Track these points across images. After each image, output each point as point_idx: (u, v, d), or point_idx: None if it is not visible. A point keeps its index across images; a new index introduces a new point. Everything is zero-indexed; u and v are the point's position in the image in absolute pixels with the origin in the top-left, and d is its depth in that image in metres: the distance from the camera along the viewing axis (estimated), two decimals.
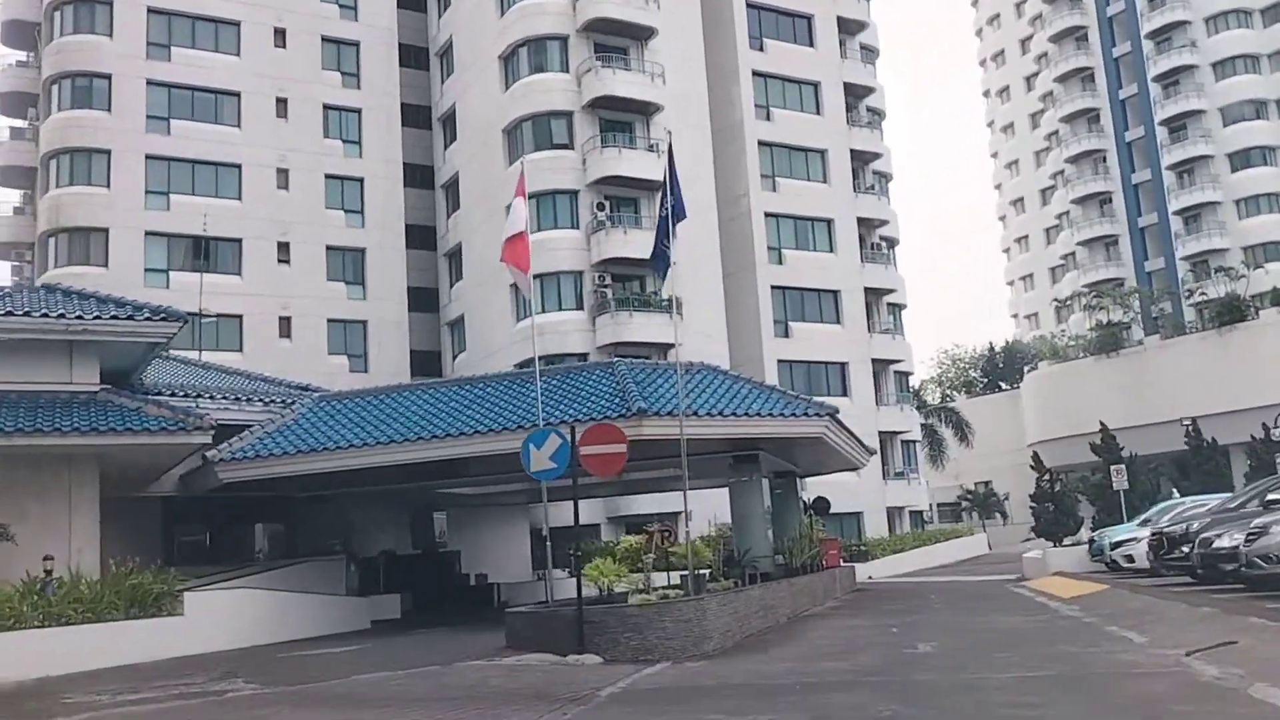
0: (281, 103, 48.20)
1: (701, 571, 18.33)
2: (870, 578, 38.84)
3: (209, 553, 28.46)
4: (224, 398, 25.45)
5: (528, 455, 16.09)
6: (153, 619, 18.83)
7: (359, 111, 50.18)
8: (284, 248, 47.32)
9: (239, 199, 46.97)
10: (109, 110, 45.04)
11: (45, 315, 19.67)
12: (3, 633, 16.13)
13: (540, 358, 44.51)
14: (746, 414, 21.68)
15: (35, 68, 48.13)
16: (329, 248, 48.46)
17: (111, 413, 20.01)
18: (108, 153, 45.02)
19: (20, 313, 19.46)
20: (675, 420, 20.83)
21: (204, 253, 45.67)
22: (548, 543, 18.47)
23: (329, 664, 16.37)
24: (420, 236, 52.18)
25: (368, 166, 49.97)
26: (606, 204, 44.69)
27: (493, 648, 16.53)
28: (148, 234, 45.13)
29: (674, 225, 16.98)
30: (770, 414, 21.89)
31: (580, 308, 44.11)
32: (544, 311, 42.59)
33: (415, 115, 52.93)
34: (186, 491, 25.67)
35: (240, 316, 45.94)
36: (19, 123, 49.25)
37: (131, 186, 45.13)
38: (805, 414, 22.34)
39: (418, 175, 53.03)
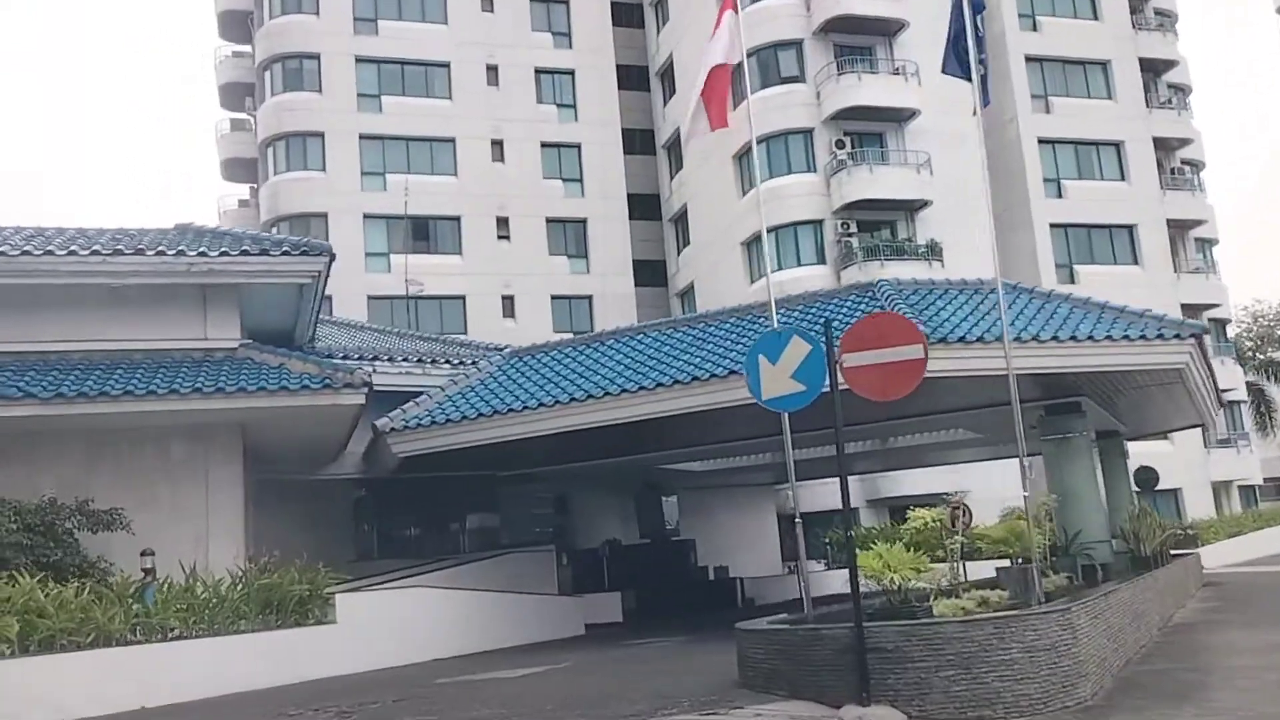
0: (492, 70, 44.57)
1: (1027, 565, 11.80)
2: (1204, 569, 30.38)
3: (406, 545, 24.28)
4: (404, 360, 20.99)
5: (755, 374, 10.16)
6: (294, 629, 14.28)
7: (572, 73, 45.90)
8: (503, 223, 43.68)
9: (455, 174, 43.70)
10: (320, 91, 42.74)
11: (162, 253, 15.58)
12: (75, 652, 11.83)
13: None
14: (1074, 338, 14.89)
15: (250, 57, 46.69)
16: (549, 220, 44.40)
17: (246, 371, 15.72)
18: (321, 135, 42.71)
19: (131, 251, 15.44)
20: (973, 349, 14.40)
21: (424, 233, 42.87)
22: (797, 524, 12.50)
23: (490, 696, 11.09)
24: (643, 207, 47.31)
25: (584, 131, 45.63)
26: (846, 140, 38.18)
27: (724, 680, 10.74)
28: (366, 216, 42.43)
29: (976, 17, 10.53)
30: (1112, 337, 14.98)
31: (821, 261, 37.80)
32: (779, 269, 36.56)
33: (631, 77, 48.13)
34: (369, 472, 21.43)
35: (463, 297, 42.59)
36: (240, 115, 48.06)
37: (347, 168, 42.66)
38: (1161, 336, 15.26)
39: (636, 141, 48.19)
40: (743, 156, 40.16)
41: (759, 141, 39.77)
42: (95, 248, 15.39)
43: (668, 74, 46.77)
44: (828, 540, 32.24)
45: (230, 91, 48.13)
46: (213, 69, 48.59)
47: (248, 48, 47.19)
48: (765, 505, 33.21)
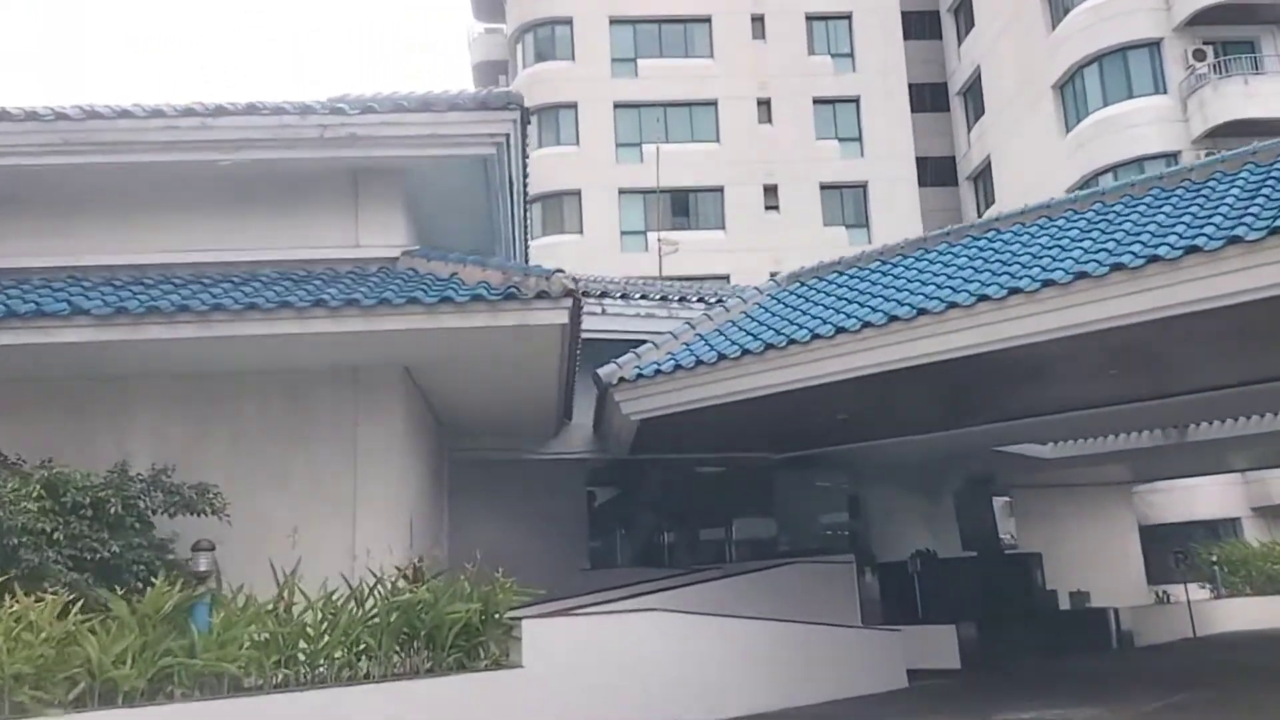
0: (758, 21, 38.70)
1: None
2: None
3: (654, 550, 18.43)
4: (643, 297, 15.12)
5: None
6: (453, 675, 8.57)
7: (848, 17, 39.18)
8: (771, 191, 37.58)
9: (716, 140, 38.11)
10: (572, 58, 38.42)
11: (281, 111, 10.44)
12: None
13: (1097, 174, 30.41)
14: None
15: (502, 33, 43.18)
16: (823, 186, 37.78)
17: (400, 282, 10.27)
18: (574, 106, 38.35)
19: (240, 110, 10.38)
20: None
21: (683, 206, 37.62)
22: None
23: None
24: (935, 171, 39.69)
25: (863, 82, 38.75)
26: (1207, 50, 29.22)
27: None
28: (621, 191, 37.55)
29: None
30: None
31: (1161, 90, 29.27)
32: (1104, 106, 28.88)
33: (915, 25, 40.67)
34: (603, 451, 15.72)
35: (726, 276, 36.62)
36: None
37: (601, 140, 38.03)
38: None
39: (927, 97, 40.63)
40: (1066, 84, 31.96)
41: (1087, 64, 31.73)
42: (192, 107, 10.45)
43: (963, 6, 38.97)
44: (1215, 561, 23.59)
45: (484, 71, 45.01)
46: (466, 49, 45.61)
47: (501, 25, 43.75)
48: (1121, 511, 24.89)
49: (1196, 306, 8.76)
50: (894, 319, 10.43)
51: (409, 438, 11.35)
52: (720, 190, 37.63)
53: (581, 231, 37.36)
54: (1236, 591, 23.82)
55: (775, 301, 13.41)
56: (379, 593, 8.79)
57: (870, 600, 15.84)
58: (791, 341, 11.09)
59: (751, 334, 11.87)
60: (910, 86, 39.35)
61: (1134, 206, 11.08)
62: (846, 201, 38.16)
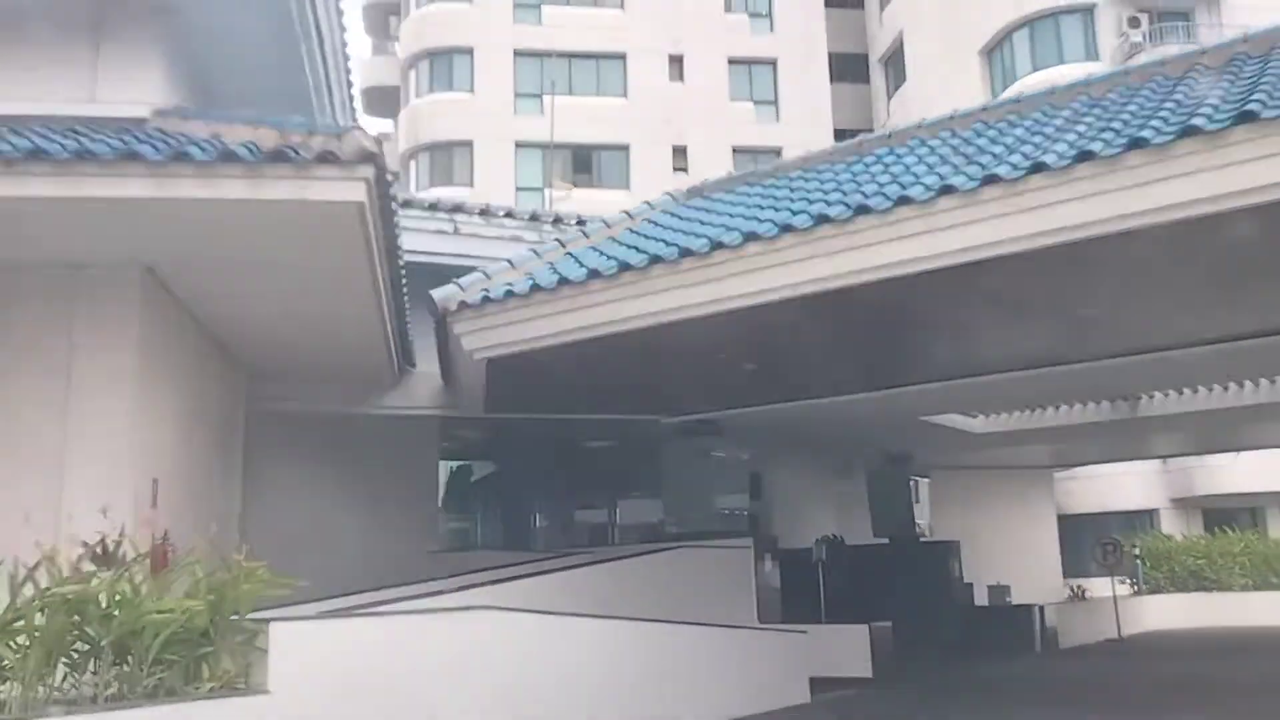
0: None
1: None
2: None
3: (520, 531, 15.53)
4: (506, 215, 12.18)
5: None
6: (144, 708, 5.52)
7: None
8: (680, 152, 34.95)
9: (624, 96, 35.28)
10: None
11: None
12: None
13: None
14: None
15: None
16: (736, 149, 35.19)
17: (133, 140, 7.13)
18: (470, 52, 35.14)
19: None
20: None
21: (585, 163, 34.78)
22: None
23: None
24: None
25: (781, 44, 36.42)
26: (1142, 18, 27.57)
27: None
28: (518, 145, 34.46)
29: None
30: None
31: (1093, 57, 28.30)
32: (1033, 72, 27.75)
33: None
34: (455, 408, 12.75)
35: None
36: (384, 40, 41.12)
37: (499, 89, 34.91)
38: None
39: (847, 68, 38.41)
40: (994, 50, 30.00)
41: (1017, 28, 29.79)
42: None
43: None
44: (1138, 554, 21.70)
45: (373, 15, 41.35)
46: None
47: None
48: (1041, 499, 22.88)
49: (1137, 220, 6.33)
50: (788, 229, 7.74)
51: (155, 369, 8.21)
52: (626, 149, 34.90)
53: (472, 185, 34.05)
54: (1158, 588, 22.05)
55: (671, 216, 10.62)
56: (38, 582, 5.73)
57: (769, 592, 13.20)
58: (686, 253, 8.28)
59: (638, 249, 9.03)
60: (830, 56, 37.14)
61: (1058, 113, 8.69)
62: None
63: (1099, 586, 22.79)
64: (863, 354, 11.04)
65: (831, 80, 36.92)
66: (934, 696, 11.62)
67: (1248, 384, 13.66)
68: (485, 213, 12.03)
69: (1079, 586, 22.47)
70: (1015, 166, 6.87)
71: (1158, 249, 7.24)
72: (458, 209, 12.00)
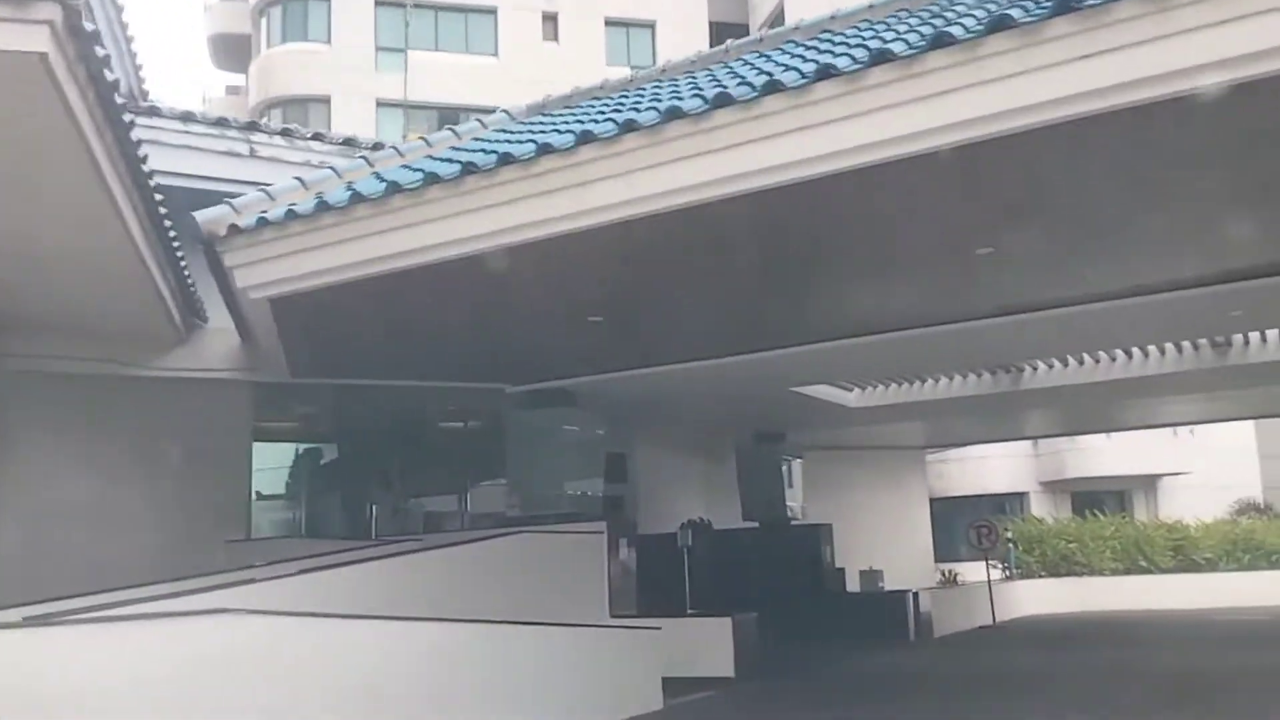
0: None
1: None
2: None
3: (349, 515, 13.64)
4: (313, 137, 10.27)
5: None
6: None
7: None
8: None
9: (495, 55, 33.33)
10: None
11: None
12: None
13: None
14: None
15: None
16: None
17: None
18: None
19: None
20: None
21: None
22: None
23: None
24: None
25: (660, 6, 34.96)
26: None
27: None
28: (379, 104, 32.15)
29: None
30: None
31: None
32: None
33: None
34: (259, 370, 10.79)
35: None
36: None
37: (358, 41, 32.43)
38: None
39: (728, 39, 37.05)
40: None
41: None
42: None
43: None
44: (1011, 538, 21.08)
45: None
46: None
47: None
48: (914, 481, 22.07)
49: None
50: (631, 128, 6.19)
51: None
52: (494, 112, 32.79)
53: None
54: (1030, 572, 21.52)
55: (503, 132, 8.99)
56: None
57: (624, 581, 11.70)
58: (505, 161, 6.62)
59: (458, 162, 7.30)
60: (711, 25, 35.90)
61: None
62: None
63: (970, 570, 22.17)
64: (725, 311, 9.59)
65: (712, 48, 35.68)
66: (799, 698, 10.31)
67: (1122, 357, 12.80)
68: (288, 133, 10.08)
69: (951, 571, 21.80)
70: (911, 45, 5.43)
71: (1053, 158, 5.95)
72: (253, 127, 10.02)
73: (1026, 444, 26.65)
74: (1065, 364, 13.02)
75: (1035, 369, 13.27)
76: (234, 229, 7.54)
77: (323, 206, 7.25)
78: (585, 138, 6.41)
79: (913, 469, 21.81)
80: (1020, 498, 26.76)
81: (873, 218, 7.02)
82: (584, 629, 9.05)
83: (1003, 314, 9.45)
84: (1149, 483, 26.54)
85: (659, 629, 9.58)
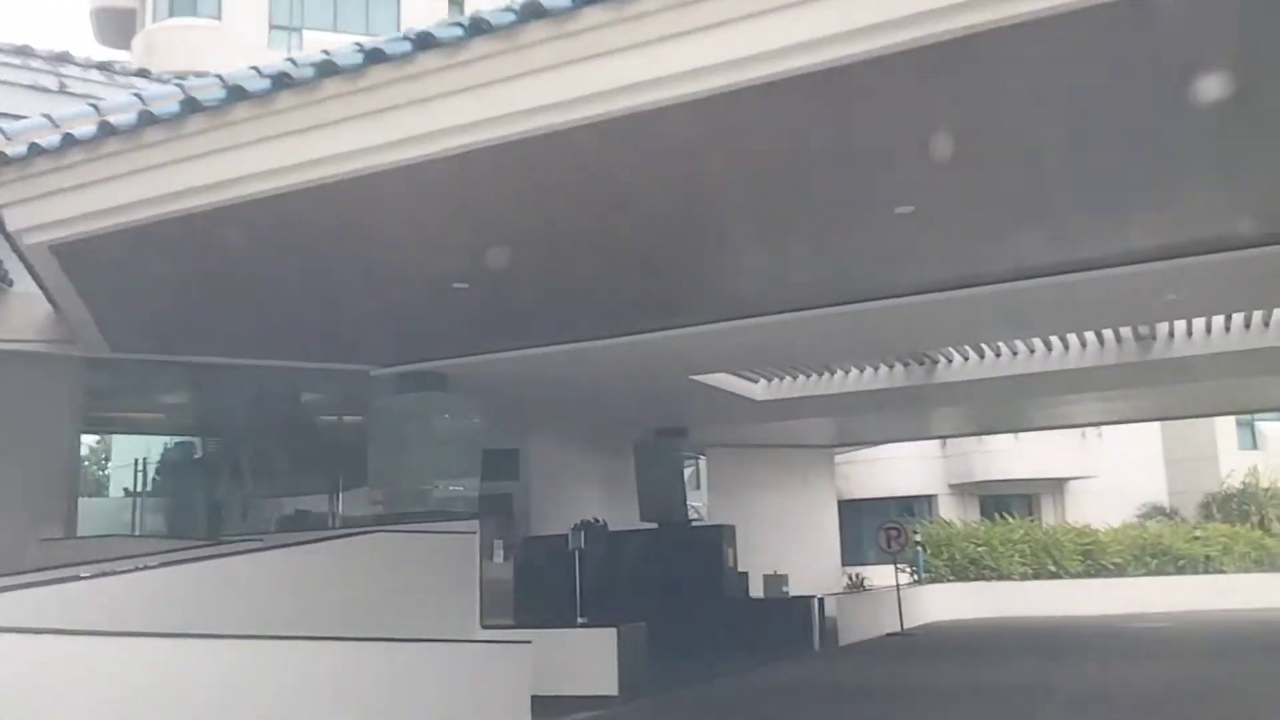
0: None
1: None
2: None
3: (201, 508, 12.14)
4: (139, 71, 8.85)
5: None
6: None
7: None
8: None
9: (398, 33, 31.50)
10: None
11: None
12: None
13: None
14: None
15: None
16: None
17: None
18: None
19: None
20: None
21: None
22: None
23: None
24: None
25: None
26: None
27: None
28: None
29: None
30: None
31: None
32: None
33: None
34: (75, 342, 9.26)
35: None
36: None
37: (250, 19, 30.44)
38: None
39: None
40: None
41: None
42: None
43: None
44: (920, 541, 20.43)
45: None
46: None
47: None
48: (822, 482, 21.26)
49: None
50: None
51: None
52: None
53: None
54: (939, 576, 20.88)
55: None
56: None
57: (500, 588, 10.47)
58: (327, 71, 5.40)
59: (269, 75, 6.02)
60: None
61: None
62: None
63: (879, 575, 21.47)
64: (608, 285, 8.44)
65: None
66: (685, 718, 9.23)
67: (1041, 348, 12.04)
68: (106, 67, 8.65)
69: (858, 575, 21.06)
70: None
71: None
72: (65, 58, 8.56)
73: (935, 445, 26.16)
74: (981, 355, 12.21)
75: (950, 361, 12.44)
76: (2, 158, 6.14)
77: (107, 130, 5.91)
78: (424, 42, 5.22)
79: (821, 469, 21.01)
80: (929, 500, 26.23)
81: (769, 159, 5.95)
82: (438, 644, 7.81)
83: (913, 293, 8.51)
84: (1056, 486, 26.27)
85: (529, 643, 8.38)
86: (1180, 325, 11.18)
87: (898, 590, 16.90)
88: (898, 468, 26.10)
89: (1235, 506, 24.00)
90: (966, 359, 12.40)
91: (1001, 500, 25.53)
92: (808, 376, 13.39)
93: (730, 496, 18.03)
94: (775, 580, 15.42)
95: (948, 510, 25.36)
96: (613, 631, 9.70)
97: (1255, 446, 28.07)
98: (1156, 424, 27.24)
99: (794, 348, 11.10)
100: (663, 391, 12.79)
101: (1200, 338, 11.34)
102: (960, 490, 26.10)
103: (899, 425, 18.65)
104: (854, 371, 13.11)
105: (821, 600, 14.75)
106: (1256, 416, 28.97)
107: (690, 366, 11.43)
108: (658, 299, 8.94)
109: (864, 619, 16.32)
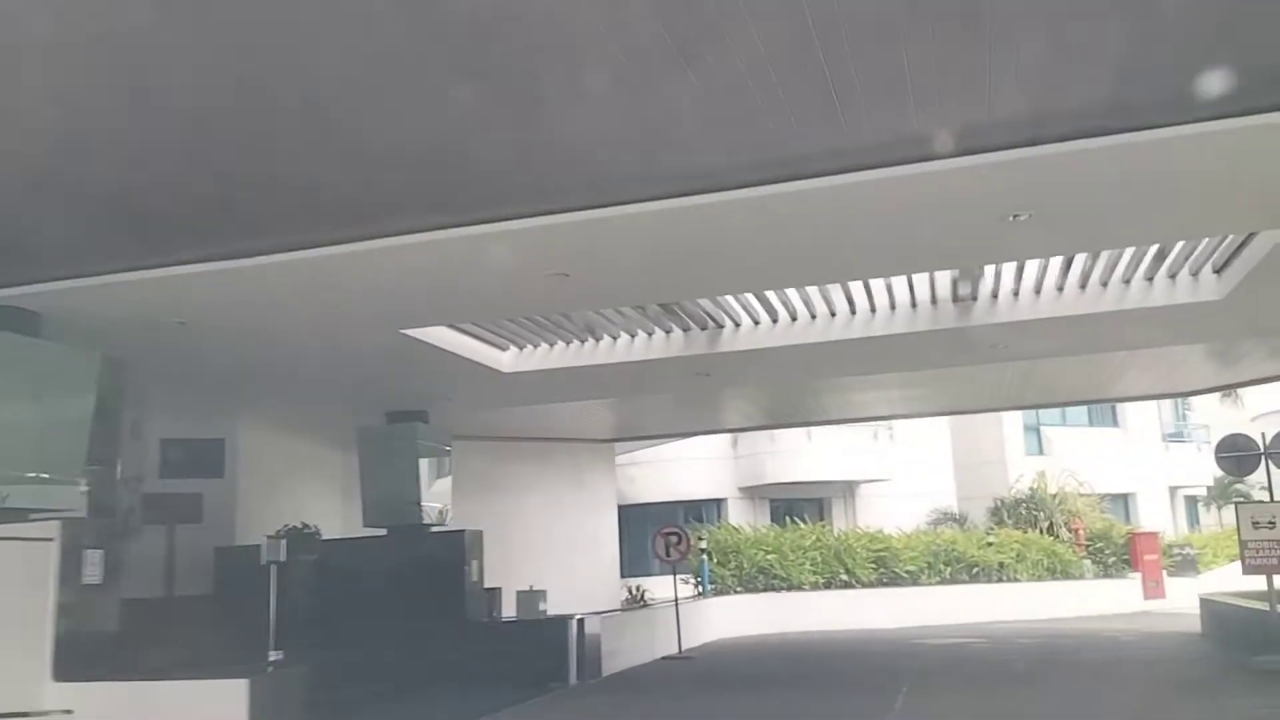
0: None
1: None
2: None
3: None
4: None
5: None
6: None
7: None
8: None
9: None
10: None
11: None
12: None
13: None
14: None
15: None
16: None
17: None
18: None
19: None
20: None
21: None
22: None
23: None
24: None
25: None
26: None
27: None
28: None
29: None
30: None
31: None
32: None
33: None
34: None
35: None
36: None
37: None
38: None
39: None
40: None
41: None
42: None
43: None
44: (705, 549, 18.22)
45: None
46: None
47: None
48: (599, 482, 18.64)
49: None
50: None
51: None
52: None
53: None
54: (725, 588, 18.66)
55: None
56: None
57: (97, 619, 7.17)
58: None
59: None
60: None
61: None
62: None
63: (663, 587, 19.13)
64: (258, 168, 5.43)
65: None
66: None
67: (843, 309, 9.82)
68: None
69: (639, 588, 18.59)
70: None
71: None
72: None
73: (726, 446, 24.19)
74: (774, 319, 9.83)
75: (737, 325, 10.01)
76: None
77: None
78: None
79: (599, 468, 18.40)
80: (718, 504, 24.21)
81: None
82: None
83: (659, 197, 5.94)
84: (848, 490, 24.82)
85: (69, 712, 5.19)
86: (1008, 280, 9.16)
87: (676, 606, 14.42)
88: (687, 469, 23.95)
89: (1025, 512, 23.11)
90: (758, 324, 9.99)
91: (794, 504, 23.80)
92: (567, 344, 10.66)
93: (486, 498, 15.10)
94: (530, 598, 12.58)
95: (738, 515, 23.36)
96: (243, 684, 6.57)
97: (1041, 452, 27.66)
98: (947, 429, 26.36)
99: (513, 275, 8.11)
100: (379, 355, 9.75)
101: (1028, 300, 9.37)
102: (751, 493, 24.18)
103: (685, 416, 16.34)
104: (624, 337, 10.47)
105: (581, 621, 12.01)
106: (1043, 422, 28.67)
107: (395, 312, 8.43)
108: (332, 194, 5.98)
109: (636, 641, 13.76)
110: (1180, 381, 15.05)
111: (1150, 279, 9.06)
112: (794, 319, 10.00)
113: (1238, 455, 15.82)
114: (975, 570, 19.94)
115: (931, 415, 20.61)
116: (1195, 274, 8.98)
